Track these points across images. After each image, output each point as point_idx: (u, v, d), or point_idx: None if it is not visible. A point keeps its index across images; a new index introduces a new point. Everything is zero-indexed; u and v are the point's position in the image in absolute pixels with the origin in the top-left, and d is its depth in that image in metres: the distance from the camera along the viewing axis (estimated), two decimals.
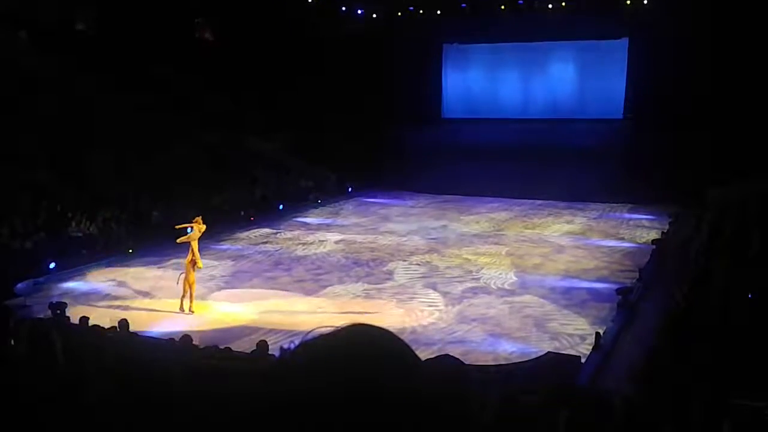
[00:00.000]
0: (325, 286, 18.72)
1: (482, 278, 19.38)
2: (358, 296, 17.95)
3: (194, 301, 16.53)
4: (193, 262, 16.27)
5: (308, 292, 18.20)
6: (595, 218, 28.12)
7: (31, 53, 29.36)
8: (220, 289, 18.71)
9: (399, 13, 38.22)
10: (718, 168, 25.75)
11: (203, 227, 16.90)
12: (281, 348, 1.01)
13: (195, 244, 16.52)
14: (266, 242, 24.51)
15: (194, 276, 16.39)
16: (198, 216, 17.27)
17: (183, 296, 16.37)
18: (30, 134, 24.51)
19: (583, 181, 30.79)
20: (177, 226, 17.36)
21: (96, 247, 21.81)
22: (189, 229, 16.85)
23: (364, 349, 0.97)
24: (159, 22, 32.62)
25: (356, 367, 0.94)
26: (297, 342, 1.01)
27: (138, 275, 20.11)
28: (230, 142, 32.17)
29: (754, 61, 28.72)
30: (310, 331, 1.01)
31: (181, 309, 16.35)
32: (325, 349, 0.97)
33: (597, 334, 13.87)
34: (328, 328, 1.01)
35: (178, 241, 17.17)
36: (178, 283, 16.44)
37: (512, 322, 15.74)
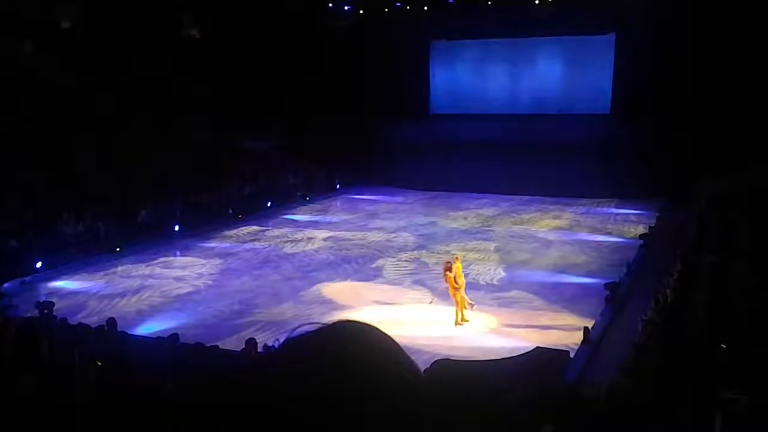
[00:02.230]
0: (314, 283, 18.68)
1: (471, 274, 19.36)
2: (348, 293, 17.92)
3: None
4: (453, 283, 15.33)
5: (297, 289, 18.17)
6: (582, 213, 28.21)
7: (22, 53, 29.10)
8: (207, 287, 18.68)
9: (386, 10, 38.15)
10: (705, 162, 25.84)
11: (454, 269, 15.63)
12: (265, 346, 0.99)
13: (459, 269, 15.60)
14: (255, 240, 24.42)
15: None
16: (450, 259, 16.13)
17: (458, 310, 15.46)
18: (18, 133, 24.30)
19: (570, 176, 30.89)
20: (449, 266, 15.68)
21: (83, 245, 21.67)
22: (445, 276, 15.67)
23: (350, 347, 0.93)
24: (146, 19, 32.36)
25: (342, 365, 0.91)
26: (281, 339, 0.98)
27: (126, 274, 20.02)
28: (218, 140, 32.01)
29: (740, 55, 28.83)
30: (295, 328, 0.98)
31: (464, 320, 15.41)
32: (310, 347, 0.94)
33: (585, 328, 13.94)
34: (314, 325, 0.97)
35: (460, 299, 15.46)
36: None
37: (501, 318, 15.77)
